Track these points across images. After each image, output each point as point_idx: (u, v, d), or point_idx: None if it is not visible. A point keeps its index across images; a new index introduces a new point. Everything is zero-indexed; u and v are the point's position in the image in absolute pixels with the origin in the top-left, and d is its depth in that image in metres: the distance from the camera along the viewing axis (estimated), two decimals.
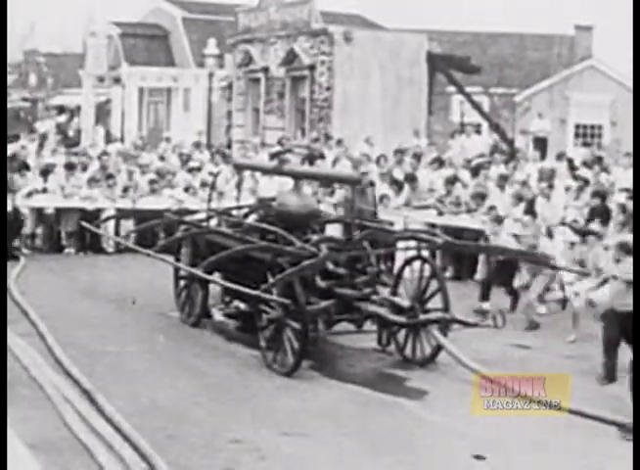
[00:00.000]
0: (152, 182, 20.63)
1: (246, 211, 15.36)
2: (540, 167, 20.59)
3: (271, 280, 11.87)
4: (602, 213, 16.57)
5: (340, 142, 25.53)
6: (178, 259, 14.67)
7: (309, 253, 12.28)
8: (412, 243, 13.35)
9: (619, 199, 17.03)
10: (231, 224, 14.64)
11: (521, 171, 20.97)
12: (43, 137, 32.53)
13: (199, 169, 21.89)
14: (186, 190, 20.67)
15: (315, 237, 13.05)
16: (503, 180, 19.22)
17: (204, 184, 20.18)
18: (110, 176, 20.65)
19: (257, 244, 13.02)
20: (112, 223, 19.85)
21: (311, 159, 22.72)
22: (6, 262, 16.57)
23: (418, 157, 22.44)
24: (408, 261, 13.12)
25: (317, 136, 28.16)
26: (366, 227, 13.65)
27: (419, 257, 13.02)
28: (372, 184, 18.40)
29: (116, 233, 20.02)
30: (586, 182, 18.74)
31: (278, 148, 24.50)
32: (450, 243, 13.88)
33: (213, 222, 15.28)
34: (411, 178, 19.72)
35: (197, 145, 27.60)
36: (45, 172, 20.51)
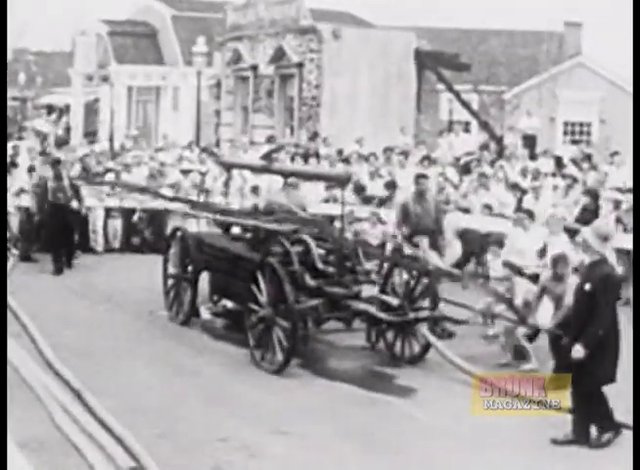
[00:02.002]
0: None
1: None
2: (525, 166, 20.62)
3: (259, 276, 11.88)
4: (593, 212, 16.62)
5: (325, 140, 25.58)
6: (167, 259, 14.69)
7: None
8: None
9: (611, 195, 17.03)
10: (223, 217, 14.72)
11: (510, 169, 21.00)
12: (44, 137, 32.61)
13: (190, 171, 21.84)
14: (172, 187, 20.58)
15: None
16: (486, 178, 19.23)
17: (194, 185, 20.21)
18: (96, 175, 20.61)
19: (253, 222, 13.17)
20: (101, 223, 19.90)
21: (306, 157, 22.78)
22: (6, 263, 16.52)
23: (406, 154, 22.44)
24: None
25: (311, 134, 28.20)
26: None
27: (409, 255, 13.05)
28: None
29: (105, 233, 20.02)
30: (575, 180, 18.78)
31: (269, 147, 24.52)
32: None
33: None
34: (390, 185, 19.19)
35: (189, 145, 27.72)
36: (32, 170, 20.37)
